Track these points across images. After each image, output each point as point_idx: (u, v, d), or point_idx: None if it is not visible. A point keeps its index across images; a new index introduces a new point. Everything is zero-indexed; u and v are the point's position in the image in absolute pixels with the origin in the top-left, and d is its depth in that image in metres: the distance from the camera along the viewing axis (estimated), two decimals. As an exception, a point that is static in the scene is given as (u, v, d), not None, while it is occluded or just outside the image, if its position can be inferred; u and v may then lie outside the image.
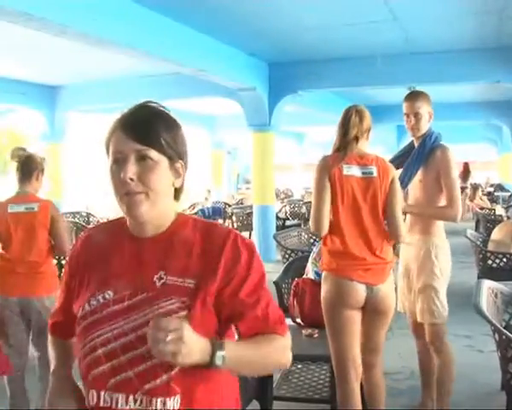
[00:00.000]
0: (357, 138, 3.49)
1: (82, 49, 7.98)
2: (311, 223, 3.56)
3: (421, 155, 3.96)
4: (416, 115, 3.92)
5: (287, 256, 7.77)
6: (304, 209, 16.25)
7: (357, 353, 3.49)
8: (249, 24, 8.12)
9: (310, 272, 5.42)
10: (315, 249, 5.63)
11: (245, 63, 10.13)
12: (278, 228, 12.20)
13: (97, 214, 14.58)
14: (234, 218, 15.27)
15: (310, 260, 5.55)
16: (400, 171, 4.00)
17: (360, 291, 3.38)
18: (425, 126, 3.96)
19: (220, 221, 14.45)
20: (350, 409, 3.42)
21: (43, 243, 4.02)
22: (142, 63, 9.06)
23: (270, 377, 3.91)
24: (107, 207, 16.44)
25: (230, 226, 15.85)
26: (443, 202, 3.92)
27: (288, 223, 14.51)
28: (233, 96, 11.12)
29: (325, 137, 26.23)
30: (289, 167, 27.77)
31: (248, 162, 25.74)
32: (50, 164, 12.96)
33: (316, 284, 4.78)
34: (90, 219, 13.54)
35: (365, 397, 3.65)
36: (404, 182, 3.95)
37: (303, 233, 9.60)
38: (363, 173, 3.41)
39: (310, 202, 16.60)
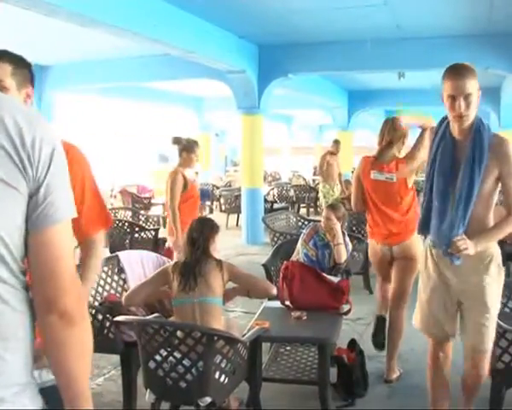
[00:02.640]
0: (391, 143, 4.49)
1: (70, 29, 7.88)
2: (352, 204, 4.91)
3: (480, 152, 3.03)
4: (468, 97, 3.03)
5: (275, 239, 7.80)
6: (292, 192, 16.27)
7: (387, 289, 4.79)
8: (240, 6, 8.07)
9: (300, 254, 5.47)
10: (305, 232, 5.68)
11: (235, 46, 10.09)
12: (266, 211, 12.23)
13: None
14: (222, 200, 15.27)
15: (299, 242, 5.60)
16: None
17: (383, 250, 4.62)
18: (475, 111, 3.11)
19: (208, 203, 14.43)
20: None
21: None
22: (132, 44, 8.99)
23: (259, 358, 3.96)
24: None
25: (218, 209, 15.90)
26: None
27: (275, 206, 14.55)
28: (222, 78, 11.08)
29: (313, 120, 26.29)
30: (277, 150, 27.77)
31: (235, 145, 25.76)
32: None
33: (305, 266, 4.84)
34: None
35: (388, 330, 4.73)
36: (471, 198, 3.04)
37: (291, 216, 9.65)
38: (386, 178, 4.47)
39: (298, 185, 16.76)
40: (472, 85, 3.02)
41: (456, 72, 3.05)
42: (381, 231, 4.59)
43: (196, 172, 19.78)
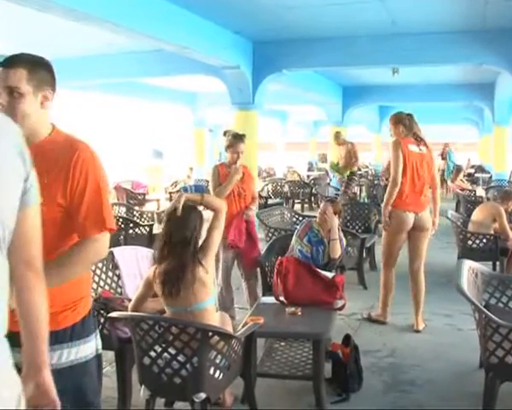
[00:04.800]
0: (411, 130, 5.70)
1: (64, 26, 7.86)
2: (392, 178, 5.67)
3: None
4: None
5: (270, 235, 7.80)
6: (286, 188, 16.25)
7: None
8: (234, 1, 8.04)
9: (294, 250, 5.47)
10: (299, 228, 5.69)
11: (229, 41, 10.06)
12: (260, 207, 12.21)
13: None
14: (216, 196, 15.16)
15: (294, 238, 5.61)
16: None
17: (409, 217, 5.62)
18: None
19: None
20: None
21: None
22: (125, 39, 8.96)
23: (254, 354, 3.96)
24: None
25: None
26: None
27: (270, 202, 14.54)
28: (217, 73, 11.04)
29: (308, 116, 26.27)
30: (272, 146, 27.75)
31: (230, 140, 25.59)
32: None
33: (300, 262, 4.84)
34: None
35: (412, 291, 5.82)
36: None
37: (286, 212, 9.64)
38: (419, 149, 5.66)
39: (292, 181, 16.71)
40: None
41: None
42: (415, 196, 5.64)
43: (191, 168, 19.77)
